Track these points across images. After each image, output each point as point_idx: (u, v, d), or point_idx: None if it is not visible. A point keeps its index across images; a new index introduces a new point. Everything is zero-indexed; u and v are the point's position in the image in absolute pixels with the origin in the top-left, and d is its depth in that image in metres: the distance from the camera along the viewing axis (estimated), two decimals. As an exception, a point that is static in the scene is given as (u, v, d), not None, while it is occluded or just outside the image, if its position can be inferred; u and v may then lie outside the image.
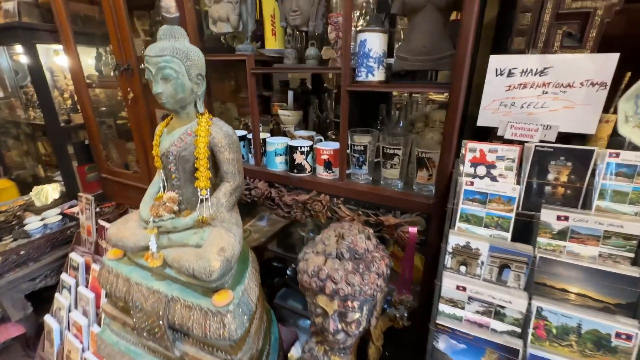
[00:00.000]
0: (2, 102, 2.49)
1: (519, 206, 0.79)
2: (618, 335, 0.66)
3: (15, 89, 2.39)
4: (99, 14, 2.01)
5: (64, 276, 1.58)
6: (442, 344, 0.82)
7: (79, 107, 2.05)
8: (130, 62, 1.60)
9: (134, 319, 0.98)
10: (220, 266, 0.84)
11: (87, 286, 1.53)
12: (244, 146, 1.36)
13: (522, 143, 0.82)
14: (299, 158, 1.18)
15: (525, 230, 0.80)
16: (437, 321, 0.82)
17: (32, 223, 1.71)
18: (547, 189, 0.78)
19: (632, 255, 0.69)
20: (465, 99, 0.93)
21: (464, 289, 0.79)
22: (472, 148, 0.85)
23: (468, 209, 0.83)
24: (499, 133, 0.86)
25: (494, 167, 0.84)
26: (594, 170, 0.74)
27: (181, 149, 0.93)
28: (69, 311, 1.51)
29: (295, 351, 1.07)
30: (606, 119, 0.80)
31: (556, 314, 0.71)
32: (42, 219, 1.78)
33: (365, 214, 1.08)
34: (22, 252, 1.56)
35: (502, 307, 0.76)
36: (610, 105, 0.78)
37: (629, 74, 0.78)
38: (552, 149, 0.76)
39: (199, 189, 0.93)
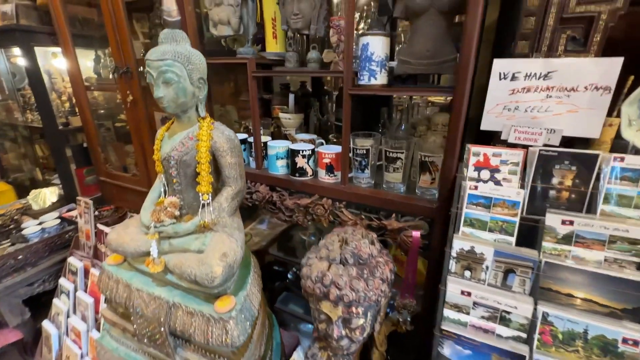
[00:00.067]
0: (-1, 105, 2.47)
1: (524, 210, 0.79)
2: (625, 341, 0.66)
3: (12, 92, 2.38)
4: (98, 17, 2.00)
5: (62, 281, 1.56)
6: (447, 349, 0.81)
7: (77, 110, 2.03)
8: (129, 64, 1.59)
9: (135, 325, 0.96)
10: (223, 272, 0.83)
11: (85, 291, 1.51)
12: (244, 149, 1.35)
13: (525, 147, 0.81)
14: (300, 162, 1.18)
15: (529, 234, 0.80)
16: (442, 327, 0.81)
17: (30, 227, 1.69)
18: (552, 193, 0.78)
19: (637, 260, 0.69)
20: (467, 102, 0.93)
21: (469, 294, 0.79)
22: (475, 152, 0.84)
23: (472, 213, 0.82)
24: (503, 137, 0.86)
25: (497, 171, 0.83)
26: (598, 174, 0.73)
27: (183, 154, 0.92)
28: (68, 316, 1.49)
29: (297, 356, 1.07)
30: (609, 122, 0.80)
31: (562, 320, 0.70)
32: (40, 223, 1.76)
33: (368, 218, 1.07)
34: (20, 257, 1.54)
35: (508, 312, 0.75)
36: (613, 109, 0.78)
37: (631, 77, 0.78)
38: (556, 153, 0.75)
39: (200, 194, 0.93)
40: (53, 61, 2.24)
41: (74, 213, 1.91)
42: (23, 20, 1.78)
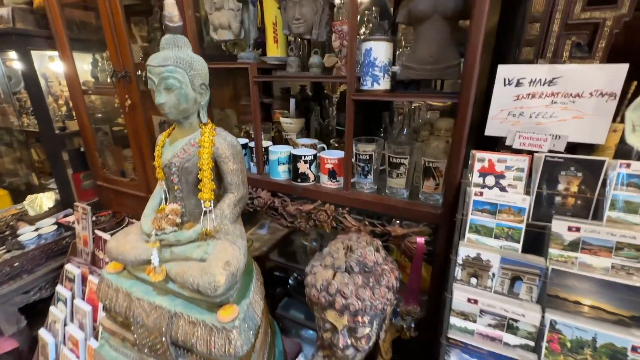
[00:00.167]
0: (-6, 108, 2.44)
1: (529, 217, 0.79)
2: (634, 349, 0.65)
3: (8, 95, 2.34)
4: (95, 20, 1.99)
5: (59, 288, 1.54)
6: (453, 358, 0.80)
7: (74, 114, 2.01)
8: (127, 68, 1.58)
9: (135, 335, 0.94)
10: (226, 281, 0.82)
11: (83, 298, 1.48)
12: (245, 154, 1.34)
13: (530, 153, 0.81)
14: (302, 167, 1.17)
15: (535, 241, 0.79)
16: (449, 335, 0.80)
17: (26, 233, 1.66)
18: (557, 199, 0.77)
19: (645, 267, 0.69)
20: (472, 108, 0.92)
21: (476, 301, 0.78)
22: (480, 158, 0.84)
23: (478, 220, 0.82)
24: (507, 142, 0.85)
25: (502, 177, 0.83)
26: (604, 181, 0.73)
27: (184, 160, 0.91)
28: (65, 324, 1.46)
29: (299, 364, 1.06)
30: (614, 128, 0.80)
31: (570, 327, 0.70)
32: (37, 229, 1.73)
33: (371, 224, 1.06)
34: (16, 264, 1.51)
35: (515, 320, 0.75)
36: (617, 115, 0.78)
37: (634, 83, 0.78)
38: (562, 159, 0.75)
39: (202, 201, 0.91)
40: (50, 65, 2.22)
41: (70, 218, 1.89)
42: (19, 23, 1.75)
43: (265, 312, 1.08)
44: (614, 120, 0.78)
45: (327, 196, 1.14)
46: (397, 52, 1.27)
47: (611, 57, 0.74)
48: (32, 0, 1.78)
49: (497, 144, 0.91)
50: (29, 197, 1.95)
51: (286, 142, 1.40)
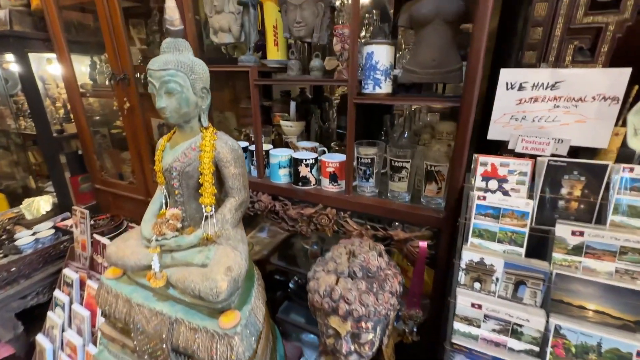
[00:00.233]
0: (-9, 111, 2.42)
1: (533, 221, 0.78)
2: (639, 354, 0.65)
3: (5, 98, 2.33)
4: (93, 22, 1.97)
5: (57, 293, 1.52)
6: (457, 363, 0.80)
7: (72, 117, 1.99)
8: (126, 71, 1.57)
9: (135, 342, 0.93)
10: (228, 286, 0.81)
11: (81, 304, 1.47)
12: (245, 158, 1.33)
13: (532, 157, 0.81)
14: (303, 171, 1.16)
15: (538, 245, 0.79)
16: (453, 340, 0.80)
17: (24, 238, 1.64)
18: (561, 203, 0.77)
19: (649, 271, 0.68)
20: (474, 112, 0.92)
21: (480, 306, 0.78)
22: (483, 162, 0.84)
23: (481, 224, 0.81)
24: (510, 146, 0.85)
25: (505, 181, 0.83)
26: (607, 185, 0.73)
27: (185, 165, 0.90)
28: (63, 330, 1.45)
29: (301, 368, 1.05)
30: (616, 131, 0.80)
31: (575, 333, 0.70)
32: (34, 233, 1.71)
33: (373, 228, 1.06)
34: (13, 269, 1.49)
35: (520, 325, 0.74)
36: (619, 118, 0.78)
37: (636, 87, 0.78)
38: (565, 163, 0.75)
39: (203, 206, 0.90)
40: (47, 67, 2.20)
41: (68, 222, 1.87)
42: (17, 26, 1.74)
43: (267, 317, 1.07)
44: (615, 124, 0.78)
45: (328, 200, 1.14)
46: (397, 55, 1.27)
47: (614, 61, 0.74)
48: (30, 2, 1.77)
49: (499, 148, 0.91)
50: (26, 201, 1.93)
51: (286, 145, 1.39)
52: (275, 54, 1.26)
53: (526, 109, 0.82)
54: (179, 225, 0.93)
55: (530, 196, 0.80)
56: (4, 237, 1.70)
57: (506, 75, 0.81)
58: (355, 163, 1.10)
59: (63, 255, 1.66)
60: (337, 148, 1.34)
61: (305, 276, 0.88)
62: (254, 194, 1.28)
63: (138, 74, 1.62)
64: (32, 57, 1.85)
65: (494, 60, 1.09)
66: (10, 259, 1.53)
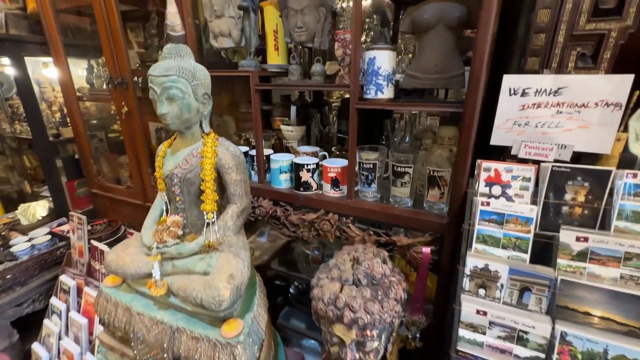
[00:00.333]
0: (-15, 115, 2.38)
1: (537, 227, 0.78)
2: (646, 361, 0.65)
3: (0, 101, 2.29)
4: (90, 25, 1.96)
5: (53, 300, 1.49)
6: (463, 371, 0.79)
7: (68, 121, 1.97)
8: (124, 75, 1.55)
9: (135, 351, 0.92)
10: (230, 295, 0.80)
11: (79, 311, 1.44)
12: (246, 162, 1.32)
13: (535, 162, 0.81)
14: (305, 176, 1.15)
15: (542, 251, 0.79)
16: (458, 347, 0.79)
17: (19, 244, 1.62)
18: (565, 209, 0.77)
19: (654, 277, 0.69)
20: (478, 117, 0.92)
21: (485, 313, 0.77)
22: (486, 167, 0.84)
23: (485, 230, 0.81)
24: (513, 152, 0.85)
25: (509, 186, 0.83)
26: (611, 190, 0.73)
27: (186, 171, 0.89)
28: (59, 338, 1.42)
29: (303, 376, 1.04)
30: (617, 137, 0.80)
31: (581, 339, 0.69)
32: (30, 239, 1.68)
33: (376, 234, 1.05)
34: (9, 276, 1.46)
35: (525, 332, 0.74)
36: (620, 124, 0.79)
37: (637, 92, 0.78)
38: (569, 169, 0.75)
39: (204, 212, 0.89)
40: (43, 71, 2.18)
41: (65, 228, 1.84)
42: (13, 29, 1.72)
43: (269, 324, 1.06)
44: (617, 129, 0.79)
45: (330, 205, 1.13)
46: (397, 59, 1.27)
47: (616, 67, 0.74)
48: (26, 5, 1.75)
49: (501, 153, 0.91)
50: (22, 206, 1.90)
51: (287, 149, 1.38)
52: (275, 58, 1.26)
53: (529, 115, 0.82)
54: (180, 232, 0.92)
55: (534, 202, 0.80)
56: (-1, 243, 1.67)
57: (509, 81, 0.81)
58: (357, 168, 1.09)
59: (59, 261, 1.63)
60: (337, 152, 1.33)
61: (306, 281, 0.87)
62: (254, 199, 1.27)
63: (136, 77, 1.61)
64: (28, 60, 1.83)
65: (494, 66, 1.10)
66: (6, 265, 1.50)
